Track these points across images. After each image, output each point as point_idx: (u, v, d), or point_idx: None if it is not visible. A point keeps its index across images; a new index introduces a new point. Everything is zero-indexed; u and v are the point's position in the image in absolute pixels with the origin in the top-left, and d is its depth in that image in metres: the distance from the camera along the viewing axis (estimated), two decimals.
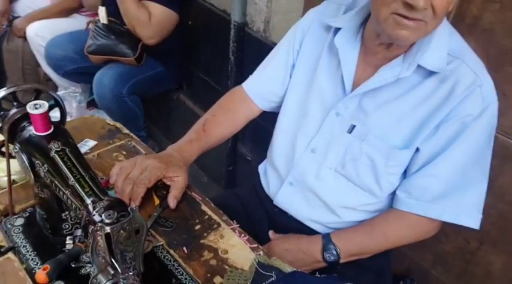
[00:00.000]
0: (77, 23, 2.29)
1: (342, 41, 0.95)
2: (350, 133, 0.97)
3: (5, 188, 0.89)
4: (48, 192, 0.77)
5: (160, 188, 0.97)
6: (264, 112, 1.18)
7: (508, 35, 1.00)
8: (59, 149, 0.71)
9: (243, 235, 0.89)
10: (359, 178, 0.98)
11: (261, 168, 1.23)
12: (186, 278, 0.78)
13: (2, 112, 0.77)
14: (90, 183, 0.68)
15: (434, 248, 1.35)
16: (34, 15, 2.27)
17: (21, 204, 0.89)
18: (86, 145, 1.08)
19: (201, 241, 0.87)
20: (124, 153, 1.08)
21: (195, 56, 2.14)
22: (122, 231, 0.60)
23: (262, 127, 1.57)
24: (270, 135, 1.18)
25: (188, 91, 2.30)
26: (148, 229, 0.85)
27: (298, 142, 1.05)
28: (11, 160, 0.80)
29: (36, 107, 0.71)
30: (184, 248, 0.84)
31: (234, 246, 0.86)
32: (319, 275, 1.01)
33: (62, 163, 0.70)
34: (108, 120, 1.21)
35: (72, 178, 0.68)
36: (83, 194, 0.66)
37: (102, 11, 1.93)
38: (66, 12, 2.33)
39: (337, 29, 0.97)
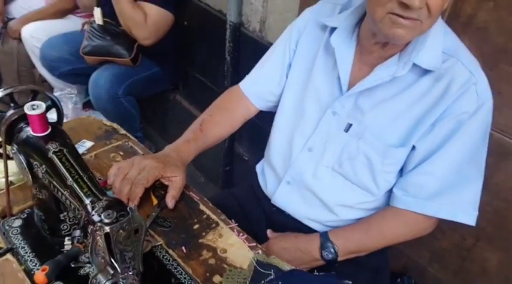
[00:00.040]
0: (71, 24, 2.28)
1: (338, 41, 0.96)
2: (347, 132, 0.97)
3: (2, 189, 0.88)
4: (46, 193, 0.77)
5: (158, 188, 0.97)
6: (261, 112, 1.19)
7: (502, 33, 1.01)
8: (56, 150, 0.71)
9: (241, 234, 0.89)
10: (356, 177, 0.99)
11: (258, 168, 1.23)
12: (185, 278, 0.79)
13: None
14: (88, 183, 0.68)
15: (431, 245, 1.36)
16: (29, 17, 2.27)
17: (19, 205, 0.88)
18: (83, 146, 1.08)
19: (200, 241, 0.87)
20: (121, 153, 1.08)
21: (191, 56, 2.14)
22: (121, 231, 0.60)
23: (259, 127, 1.57)
24: (266, 135, 1.18)
25: (184, 92, 2.30)
26: (147, 229, 0.86)
27: (295, 141, 1.06)
28: (8, 162, 0.80)
29: (33, 108, 0.71)
30: (183, 247, 0.85)
31: (233, 245, 0.87)
32: (317, 274, 1.01)
33: (60, 164, 0.70)
34: (105, 120, 1.21)
35: (71, 179, 0.68)
36: (82, 194, 0.66)
37: (97, 12, 1.92)
38: (61, 14, 2.32)
39: (333, 29, 0.97)
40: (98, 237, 0.60)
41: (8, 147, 0.77)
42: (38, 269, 0.75)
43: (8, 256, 0.78)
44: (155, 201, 0.95)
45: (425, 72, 0.89)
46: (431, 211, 0.94)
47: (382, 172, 0.96)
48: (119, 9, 1.83)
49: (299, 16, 1.10)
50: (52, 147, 0.71)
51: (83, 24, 2.05)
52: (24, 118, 0.75)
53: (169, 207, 0.93)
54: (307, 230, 1.08)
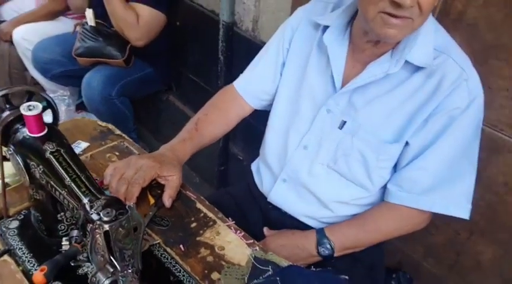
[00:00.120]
0: (63, 26, 2.27)
1: (331, 39, 0.97)
2: (341, 129, 0.98)
3: None
4: (43, 193, 0.77)
5: (154, 187, 0.97)
6: (255, 111, 1.19)
7: (492, 30, 1.03)
8: (53, 150, 0.72)
9: (238, 231, 0.90)
10: (351, 173, 1.00)
11: (253, 166, 1.24)
12: (183, 275, 0.79)
13: None
14: (86, 183, 0.68)
15: (425, 240, 1.38)
16: (20, 19, 2.26)
17: (15, 206, 0.88)
18: (78, 147, 1.08)
19: (197, 239, 0.87)
20: (117, 153, 1.08)
21: (184, 56, 2.14)
22: (120, 229, 0.61)
23: (253, 126, 1.58)
24: (261, 134, 1.19)
25: (177, 92, 2.30)
26: (144, 228, 0.86)
27: (290, 139, 1.07)
28: (4, 163, 0.80)
29: (30, 108, 0.71)
30: (181, 246, 0.85)
31: (231, 242, 0.87)
32: (314, 269, 1.02)
33: (57, 164, 0.70)
34: (100, 121, 1.21)
35: (68, 179, 0.68)
36: (80, 193, 0.67)
37: (89, 13, 1.92)
38: (52, 15, 2.31)
39: (326, 27, 0.98)
40: (98, 235, 0.60)
41: (4, 148, 0.77)
42: (36, 269, 0.75)
43: (6, 257, 0.78)
44: (152, 201, 0.95)
45: (417, 68, 0.90)
46: (426, 205, 0.95)
47: (377, 168, 0.97)
48: (110, 10, 1.83)
49: (292, 15, 1.10)
50: (49, 147, 0.72)
51: (75, 26, 2.04)
52: (20, 119, 0.75)
53: (166, 206, 0.93)
54: (303, 227, 1.09)
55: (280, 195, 1.12)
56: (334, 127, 0.99)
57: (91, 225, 0.61)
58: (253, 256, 0.84)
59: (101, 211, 0.61)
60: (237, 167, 2.03)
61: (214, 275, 0.80)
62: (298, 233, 1.05)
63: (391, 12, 0.78)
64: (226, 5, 1.67)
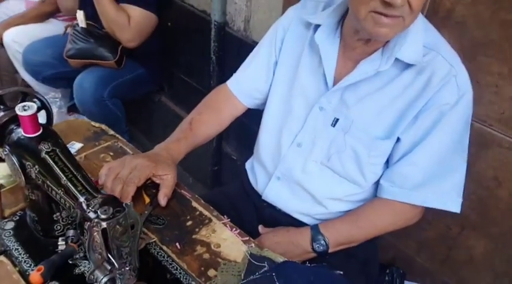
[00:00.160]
0: (53, 27, 2.26)
1: (322, 37, 0.98)
2: (334, 126, 0.99)
3: None
4: (39, 193, 0.77)
5: (149, 187, 0.98)
6: (248, 110, 1.20)
7: (480, 27, 1.04)
8: (49, 150, 0.72)
9: (234, 229, 0.91)
10: (344, 170, 1.01)
11: (247, 165, 1.25)
12: (180, 273, 0.80)
13: None
14: (82, 182, 0.69)
15: (418, 235, 1.39)
16: (10, 22, 2.23)
17: (10, 207, 0.88)
18: (72, 148, 1.08)
19: (193, 237, 0.88)
20: (111, 154, 1.08)
21: (176, 57, 2.14)
22: (117, 226, 0.61)
23: (246, 125, 1.59)
24: (254, 134, 1.20)
25: (169, 93, 2.30)
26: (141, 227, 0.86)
27: (283, 138, 1.08)
28: None
29: (25, 109, 0.71)
30: (177, 244, 0.86)
31: (226, 240, 0.88)
32: (309, 265, 1.03)
33: (53, 164, 0.70)
34: (93, 122, 1.21)
35: (65, 178, 0.69)
36: (76, 192, 0.67)
37: (80, 15, 1.91)
38: (42, 17, 2.29)
39: (317, 26, 0.99)
40: (95, 233, 0.61)
41: None
42: (32, 270, 0.75)
43: (2, 258, 0.78)
44: (147, 200, 0.95)
45: (408, 66, 0.92)
46: (418, 200, 0.97)
47: (369, 164, 0.99)
48: (101, 12, 1.82)
49: (283, 14, 1.11)
50: (44, 147, 0.72)
51: (66, 27, 2.03)
52: (14, 119, 0.75)
53: (161, 204, 0.93)
54: (297, 224, 1.10)
55: (275, 192, 1.13)
56: (327, 125, 1.00)
57: (89, 223, 0.61)
58: (249, 252, 0.85)
59: (98, 209, 0.62)
60: (231, 167, 2.03)
61: (211, 272, 0.81)
62: (292, 230, 1.06)
63: (382, 12, 0.79)
64: (218, 5, 1.68)
